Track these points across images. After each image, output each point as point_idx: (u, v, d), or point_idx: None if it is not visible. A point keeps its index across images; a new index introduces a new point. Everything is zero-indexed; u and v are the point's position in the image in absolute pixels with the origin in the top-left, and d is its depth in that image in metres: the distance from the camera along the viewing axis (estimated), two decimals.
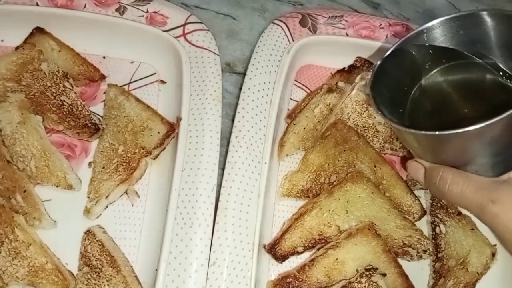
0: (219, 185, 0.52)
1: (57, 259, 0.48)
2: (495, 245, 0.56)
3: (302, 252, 0.53)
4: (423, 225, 0.57)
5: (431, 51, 0.51)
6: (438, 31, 0.50)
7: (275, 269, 0.53)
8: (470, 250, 0.55)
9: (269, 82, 0.59)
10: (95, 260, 0.48)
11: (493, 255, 0.55)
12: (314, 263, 0.51)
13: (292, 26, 0.65)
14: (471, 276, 0.54)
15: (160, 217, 0.52)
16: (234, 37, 0.71)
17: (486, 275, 0.55)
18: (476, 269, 0.54)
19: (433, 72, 0.52)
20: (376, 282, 0.50)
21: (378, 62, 0.50)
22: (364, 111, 0.61)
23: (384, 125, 0.61)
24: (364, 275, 0.50)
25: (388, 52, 0.50)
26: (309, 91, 0.66)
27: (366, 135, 0.61)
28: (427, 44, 0.50)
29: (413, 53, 0.51)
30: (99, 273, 0.47)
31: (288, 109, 0.63)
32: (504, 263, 0.56)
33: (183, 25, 0.62)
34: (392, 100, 0.51)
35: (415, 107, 0.52)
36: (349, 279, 0.50)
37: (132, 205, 0.54)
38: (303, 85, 0.66)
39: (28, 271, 0.46)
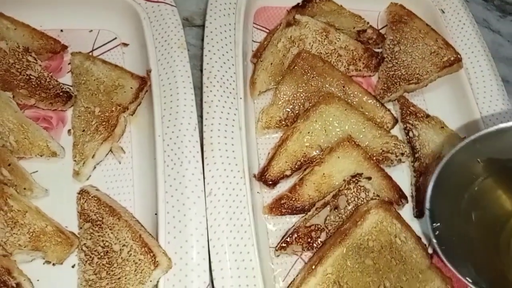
0: (201, 130, 0.53)
1: (56, 221, 0.49)
2: (465, 137, 0.60)
3: (290, 175, 0.55)
4: (397, 132, 0.61)
5: (479, 161, 0.49)
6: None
7: (268, 196, 0.55)
8: (443, 146, 0.59)
9: (229, 24, 0.61)
10: (94, 215, 0.48)
11: None
12: (304, 181, 0.54)
13: None
14: None
15: (149, 167, 0.53)
16: None
17: None
18: None
19: (479, 181, 0.50)
20: (363, 186, 0.53)
21: (428, 197, 0.48)
22: (325, 39, 0.64)
23: (345, 48, 0.64)
24: (351, 181, 0.53)
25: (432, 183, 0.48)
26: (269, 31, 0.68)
27: (330, 61, 0.63)
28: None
29: (457, 171, 0.49)
30: (100, 225, 0.48)
31: (253, 51, 0.65)
32: None
33: None
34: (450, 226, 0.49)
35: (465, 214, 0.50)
36: (337, 189, 0.53)
37: (120, 163, 0.55)
38: (263, 26, 0.68)
39: (29, 237, 0.47)
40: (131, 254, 0.45)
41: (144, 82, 0.56)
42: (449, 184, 0.48)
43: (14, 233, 0.47)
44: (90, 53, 0.62)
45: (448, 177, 0.48)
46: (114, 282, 0.45)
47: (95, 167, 0.54)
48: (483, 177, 0.50)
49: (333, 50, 0.64)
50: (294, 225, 0.53)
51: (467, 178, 0.50)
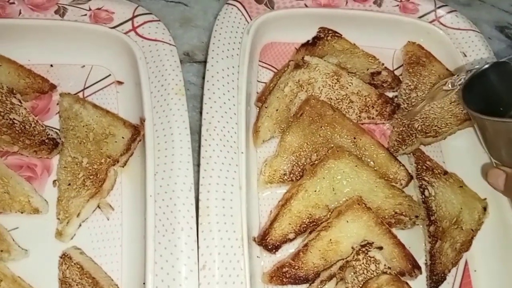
0: (197, 183, 0.49)
1: None
2: (485, 199, 0.55)
3: (294, 239, 0.50)
4: (411, 190, 0.56)
5: None
6: None
7: (268, 260, 0.51)
8: (461, 208, 0.54)
9: (233, 67, 0.56)
10: (76, 285, 0.44)
11: (485, 209, 0.54)
12: (308, 247, 0.49)
13: (247, 4, 0.61)
14: (466, 234, 0.53)
15: (140, 226, 0.48)
16: (188, 25, 0.67)
17: (480, 231, 0.54)
18: (470, 226, 0.53)
19: None
20: (373, 257, 0.48)
21: (476, 70, 0.48)
22: (335, 83, 0.59)
23: (358, 94, 0.59)
24: (360, 251, 0.48)
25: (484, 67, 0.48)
26: (276, 71, 0.63)
27: (341, 107, 0.58)
28: None
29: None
30: None
31: (257, 92, 0.60)
32: (496, 217, 0.55)
33: (132, 19, 0.57)
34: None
35: None
36: (346, 258, 0.48)
37: (108, 219, 0.50)
38: (269, 64, 0.63)
39: None
40: None
41: (137, 132, 0.52)
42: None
43: None
44: (82, 92, 0.57)
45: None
46: None
47: (80, 225, 0.49)
48: None
49: (345, 96, 0.59)
50: None
51: None
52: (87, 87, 0.58)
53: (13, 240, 0.47)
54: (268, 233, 0.50)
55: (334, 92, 0.59)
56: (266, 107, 0.57)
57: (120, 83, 0.58)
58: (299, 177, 0.54)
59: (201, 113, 0.54)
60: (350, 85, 0.59)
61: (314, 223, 0.51)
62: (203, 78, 0.56)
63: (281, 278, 0.48)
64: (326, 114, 0.56)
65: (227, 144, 0.51)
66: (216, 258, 0.45)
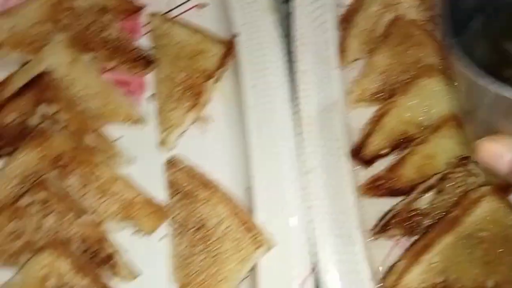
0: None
1: (145, 191, 0.46)
2: None
3: (387, 154, 0.51)
4: None
5: None
6: None
7: (362, 175, 0.51)
8: None
9: None
10: (186, 186, 0.45)
11: None
12: (403, 161, 0.49)
13: None
14: None
15: (237, 138, 0.49)
16: None
17: None
18: None
19: None
20: (472, 170, 0.48)
21: None
22: (420, 4, 0.58)
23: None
24: (459, 164, 0.48)
25: None
26: None
27: (428, 28, 0.57)
28: None
29: None
30: (193, 198, 0.45)
31: (341, 15, 0.60)
32: None
33: None
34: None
35: None
36: (443, 172, 0.49)
37: (206, 132, 0.51)
38: None
39: (120, 206, 0.44)
40: (229, 230, 0.43)
41: (229, 47, 0.52)
42: None
43: (103, 202, 0.45)
44: (167, 13, 0.58)
45: None
46: (212, 258, 0.42)
47: (180, 136, 0.51)
48: None
49: (431, 17, 0.57)
50: (393, 208, 0.49)
51: None
52: (172, 9, 0.58)
53: (119, 147, 0.49)
54: (362, 147, 0.50)
55: (420, 13, 0.57)
56: (352, 28, 0.56)
57: (203, 5, 0.58)
58: (388, 96, 0.54)
59: (285, 35, 0.54)
60: (435, 7, 0.58)
61: (408, 139, 0.51)
62: (284, 2, 0.56)
63: (377, 190, 0.49)
64: (414, 34, 0.55)
65: (320, 60, 0.51)
66: (319, 164, 0.46)
